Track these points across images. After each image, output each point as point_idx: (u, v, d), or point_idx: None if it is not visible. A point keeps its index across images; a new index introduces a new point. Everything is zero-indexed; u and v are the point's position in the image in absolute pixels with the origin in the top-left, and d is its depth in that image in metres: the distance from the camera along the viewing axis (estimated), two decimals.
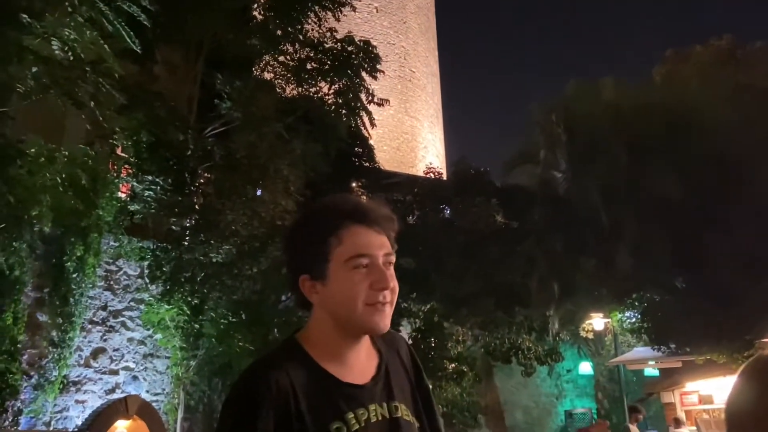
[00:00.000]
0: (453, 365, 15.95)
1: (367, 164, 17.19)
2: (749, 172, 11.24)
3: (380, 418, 1.27)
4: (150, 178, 10.60)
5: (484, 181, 17.47)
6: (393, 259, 1.32)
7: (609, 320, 14.69)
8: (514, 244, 15.01)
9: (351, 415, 1.24)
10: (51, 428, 8.83)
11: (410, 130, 31.02)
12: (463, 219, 15.79)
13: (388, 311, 1.29)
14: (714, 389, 12.06)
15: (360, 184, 16.74)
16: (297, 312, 13.23)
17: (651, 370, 14.74)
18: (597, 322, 14.43)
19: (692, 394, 12.42)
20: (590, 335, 15.78)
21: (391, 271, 1.31)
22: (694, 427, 12.10)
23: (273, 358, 1.31)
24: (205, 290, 10.80)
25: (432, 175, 18.73)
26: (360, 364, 1.32)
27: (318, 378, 1.26)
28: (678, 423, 10.51)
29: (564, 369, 18.50)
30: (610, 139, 13.44)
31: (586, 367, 18.08)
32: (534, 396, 19.07)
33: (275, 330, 12.25)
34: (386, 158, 23.58)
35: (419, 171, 23.80)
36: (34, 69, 6.68)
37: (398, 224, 1.39)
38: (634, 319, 14.62)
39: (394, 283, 1.30)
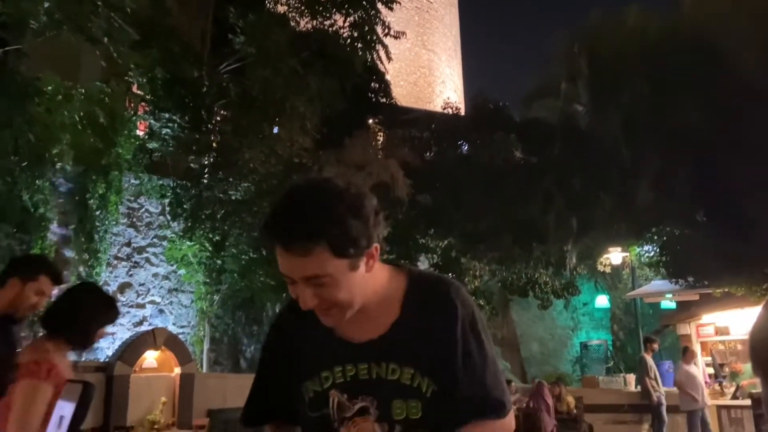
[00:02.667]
0: None
1: (384, 100, 16.95)
2: None
3: (373, 378, 1.28)
4: (167, 115, 10.59)
5: (502, 115, 17.16)
6: (323, 281, 1.20)
7: (627, 254, 14.69)
8: (533, 180, 14.89)
9: (338, 368, 1.31)
10: (83, 359, 9.23)
11: (427, 64, 30.34)
12: (481, 155, 15.63)
13: (336, 313, 1.25)
14: (730, 321, 12.14)
15: (376, 120, 16.57)
16: None
17: (668, 303, 14.83)
18: (615, 256, 14.46)
19: (708, 325, 12.51)
20: (608, 269, 15.83)
21: (324, 286, 1.21)
22: (709, 358, 12.30)
23: (296, 306, 1.39)
24: (226, 227, 10.96)
25: (450, 110, 18.43)
26: (368, 323, 1.31)
27: (320, 330, 1.33)
28: (692, 355, 10.63)
29: (580, 302, 18.71)
30: (634, 70, 13.02)
31: (602, 301, 18.26)
32: (550, 328, 19.40)
33: None
34: (403, 93, 23.21)
35: (437, 106, 23.43)
36: (47, 4, 6.58)
37: (339, 228, 1.20)
38: (652, 253, 14.59)
39: (328, 297, 1.22)
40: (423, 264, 16.59)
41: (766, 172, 10.86)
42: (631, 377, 12.39)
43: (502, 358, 17.14)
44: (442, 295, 1.33)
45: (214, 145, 11.44)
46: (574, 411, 11.28)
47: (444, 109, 18.94)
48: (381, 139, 15.60)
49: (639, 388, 11.41)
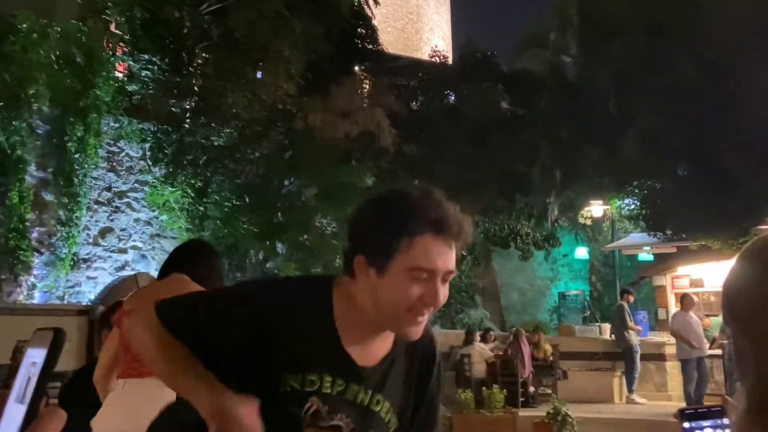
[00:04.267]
0: None
1: (371, 46, 16.61)
2: None
3: (358, 402, 1.29)
4: (146, 57, 10.31)
5: (491, 65, 16.95)
6: (452, 275, 1.29)
7: (608, 207, 14.86)
8: (520, 131, 14.84)
9: (329, 378, 1.27)
10: (65, 302, 9.24)
11: (416, 10, 29.65)
12: (469, 105, 15.51)
13: (425, 321, 1.29)
14: (705, 273, 12.41)
15: (363, 67, 16.29)
16: (301, 197, 13.41)
17: (645, 255, 15.10)
18: (596, 209, 14.61)
19: (684, 277, 12.78)
20: (588, 222, 16.03)
21: (446, 286, 1.28)
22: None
23: (300, 295, 1.34)
24: (208, 173, 10.86)
25: (437, 58, 18.15)
26: (370, 349, 1.32)
27: (324, 333, 1.28)
28: (690, 302, 10.29)
29: (560, 254, 19.02)
30: (627, 21, 12.82)
31: (582, 252, 18.57)
32: (529, 279, 19.75)
33: (279, 214, 12.51)
34: (390, 40, 22.72)
35: (424, 54, 23.04)
36: None
37: (470, 235, 1.32)
38: (633, 206, 14.77)
39: (445, 299, 1.28)
40: None
41: (752, 130, 10.89)
42: (607, 326, 12.71)
43: (482, 307, 17.50)
44: (428, 345, 1.41)
45: (195, 88, 11.21)
46: (550, 358, 11.60)
47: (431, 57, 18.63)
48: (367, 86, 15.37)
49: (613, 336, 11.73)
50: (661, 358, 11.67)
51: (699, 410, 0.94)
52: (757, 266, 0.79)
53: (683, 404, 10.86)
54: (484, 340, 11.94)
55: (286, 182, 13.16)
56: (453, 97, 17.28)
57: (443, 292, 1.26)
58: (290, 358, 1.25)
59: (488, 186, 14.88)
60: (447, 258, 1.25)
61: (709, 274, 12.31)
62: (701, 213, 11.22)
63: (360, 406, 1.29)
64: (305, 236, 12.85)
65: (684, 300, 10.46)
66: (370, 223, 1.28)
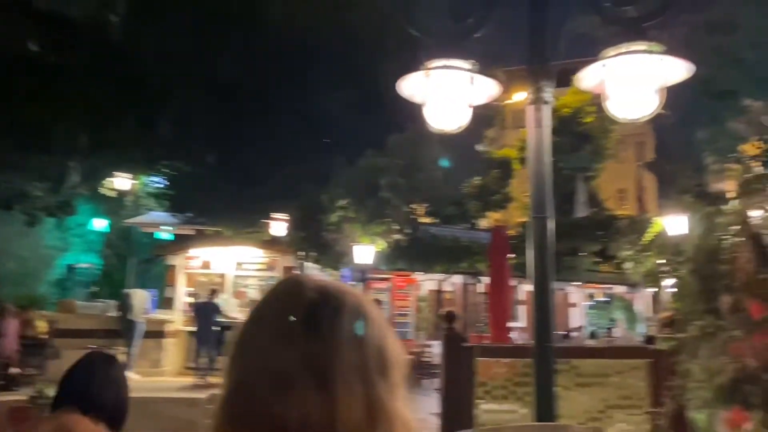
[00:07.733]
0: None
1: None
2: (305, 66, 12.34)
3: None
4: None
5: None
6: None
7: (135, 182, 14.56)
8: (52, 79, 13.06)
9: None
10: None
11: None
12: None
13: None
14: (213, 257, 13.50)
15: None
16: None
17: (164, 234, 15.44)
18: (122, 181, 14.12)
19: (196, 258, 13.59)
20: (112, 193, 15.37)
21: None
22: (193, 288, 13.39)
23: None
24: None
25: None
26: None
27: None
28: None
29: (75, 223, 17.69)
30: (183, 5, 12.84)
31: (100, 224, 17.71)
32: (34, 247, 17.64)
33: None
34: None
35: None
36: None
37: None
38: (159, 185, 14.89)
39: None
40: None
41: (275, 136, 12.39)
42: (113, 303, 12.46)
43: None
44: None
45: None
46: (44, 336, 10.65)
47: None
48: None
49: (120, 314, 11.64)
50: (160, 335, 12.08)
51: None
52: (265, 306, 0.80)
53: (178, 379, 11.52)
54: None
55: None
56: None
57: None
58: None
59: (3, 135, 12.63)
60: None
61: (216, 258, 13.42)
62: (222, 202, 12.17)
63: None
64: None
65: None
66: None
